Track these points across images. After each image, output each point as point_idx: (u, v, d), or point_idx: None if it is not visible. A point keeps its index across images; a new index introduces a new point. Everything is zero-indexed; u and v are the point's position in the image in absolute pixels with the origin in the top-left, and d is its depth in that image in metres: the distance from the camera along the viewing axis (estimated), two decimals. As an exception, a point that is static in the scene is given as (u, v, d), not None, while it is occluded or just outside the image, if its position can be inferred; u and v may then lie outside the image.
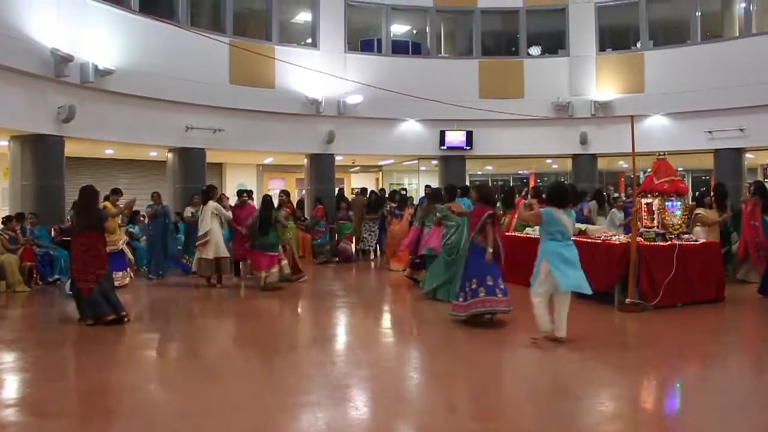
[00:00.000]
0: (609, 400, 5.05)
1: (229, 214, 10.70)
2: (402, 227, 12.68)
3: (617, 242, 8.60)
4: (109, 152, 16.49)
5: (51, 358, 6.31)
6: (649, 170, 9.49)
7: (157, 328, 7.83)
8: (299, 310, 9.39)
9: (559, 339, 6.39)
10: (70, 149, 12.65)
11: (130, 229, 12.04)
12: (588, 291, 6.43)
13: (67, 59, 11.24)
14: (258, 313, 9.00)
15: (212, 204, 10.50)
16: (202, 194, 10.97)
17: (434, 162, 18.19)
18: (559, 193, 6.58)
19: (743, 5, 16.05)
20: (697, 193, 15.26)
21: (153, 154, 16.79)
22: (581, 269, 6.46)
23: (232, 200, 11.81)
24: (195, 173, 14.64)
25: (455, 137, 16.82)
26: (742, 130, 14.92)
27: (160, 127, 13.81)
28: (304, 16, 17.10)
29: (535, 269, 6.54)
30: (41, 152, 11.71)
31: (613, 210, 11.39)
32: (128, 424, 4.51)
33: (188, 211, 11.93)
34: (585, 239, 9.20)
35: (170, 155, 14.99)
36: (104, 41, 12.37)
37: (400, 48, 17.42)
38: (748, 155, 16.09)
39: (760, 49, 14.50)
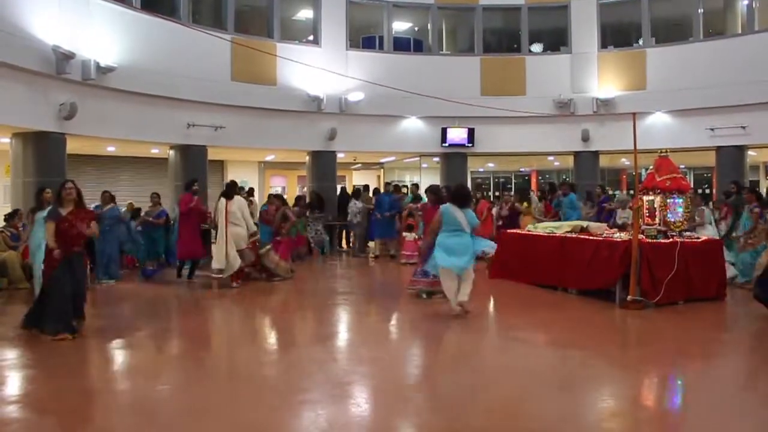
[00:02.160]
0: (610, 397, 5.06)
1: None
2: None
3: (619, 240, 8.60)
4: (110, 149, 16.51)
5: (53, 355, 6.31)
6: (650, 167, 9.48)
7: (156, 327, 7.83)
8: (297, 307, 9.40)
9: (461, 303, 7.46)
10: (72, 146, 12.65)
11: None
12: (457, 271, 7.48)
13: (68, 56, 11.23)
14: (257, 312, 9.00)
15: (242, 200, 10.19)
16: (227, 189, 10.42)
17: (436, 159, 18.18)
18: (462, 195, 7.79)
19: (746, 2, 16.02)
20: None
21: (155, 152, 16.80)
22: (464, 255, 7.46)
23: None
24: (196, 170, 14.59)
25: (457, 134, 16.80)
26: (744, 127, 14.87)
27: (162, 124, 13.80)
28: (305, 13, 17.07)
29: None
30: (43, 149, 11.70)
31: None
32: (129, 422, 4.51)
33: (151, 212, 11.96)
34: (587, 236, 9.21)
35: (172, 152, 14.99)
36: (106, 38, 12.36)
37: (401, 45, 17.38)
38: (750, 153, 16.06)
39: (762, 47, 14.44)
